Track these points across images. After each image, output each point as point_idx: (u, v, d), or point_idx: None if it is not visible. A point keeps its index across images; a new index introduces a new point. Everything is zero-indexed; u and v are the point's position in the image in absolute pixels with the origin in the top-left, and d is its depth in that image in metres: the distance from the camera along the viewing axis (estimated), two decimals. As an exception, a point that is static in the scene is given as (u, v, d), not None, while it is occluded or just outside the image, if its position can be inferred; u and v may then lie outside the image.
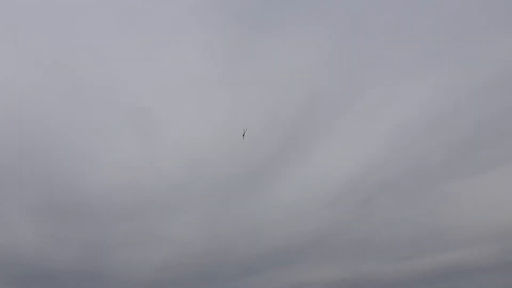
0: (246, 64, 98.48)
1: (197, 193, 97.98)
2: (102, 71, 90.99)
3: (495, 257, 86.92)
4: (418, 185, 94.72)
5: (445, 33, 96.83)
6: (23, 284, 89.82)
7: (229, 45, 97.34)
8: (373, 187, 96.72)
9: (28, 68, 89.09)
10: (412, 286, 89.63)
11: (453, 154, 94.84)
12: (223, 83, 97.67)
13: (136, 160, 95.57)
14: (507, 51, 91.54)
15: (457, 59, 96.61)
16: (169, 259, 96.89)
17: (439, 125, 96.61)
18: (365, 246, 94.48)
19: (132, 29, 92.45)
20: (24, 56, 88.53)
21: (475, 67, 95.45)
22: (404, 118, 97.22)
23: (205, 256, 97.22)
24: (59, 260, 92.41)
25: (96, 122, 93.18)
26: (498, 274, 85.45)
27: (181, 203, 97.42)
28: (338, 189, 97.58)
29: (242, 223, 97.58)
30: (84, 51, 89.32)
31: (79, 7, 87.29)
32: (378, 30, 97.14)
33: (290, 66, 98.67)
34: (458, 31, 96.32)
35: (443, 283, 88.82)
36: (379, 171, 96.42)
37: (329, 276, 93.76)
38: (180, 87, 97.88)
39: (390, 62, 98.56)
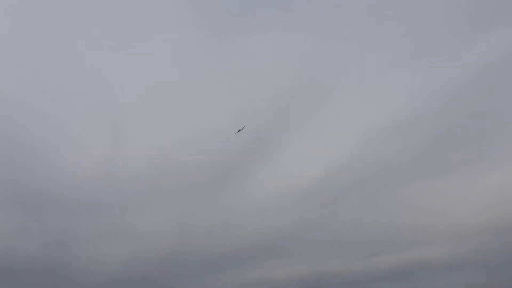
0: (218, 62, 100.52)
1: (167, 189, 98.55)
2: (74, 65, 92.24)
3: (457, 256, 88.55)
4: (385, 185, 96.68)
5: (415, 38, 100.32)
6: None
7: (201, 44, 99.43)
8: (341, 186, 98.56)
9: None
10: (377, 283, 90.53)
11: (420, 156, 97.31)
12: (195, 81, 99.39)
13: (106, 154, 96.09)
14: (474, 58, 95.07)
15: (426, 64, 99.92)
16: (136, 254, 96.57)
17: (406, 127, 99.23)
18: (332, 243, 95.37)
19: (107, 24, 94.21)
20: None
21: (443, 72, 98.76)
22: (372, 120, 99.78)
23: (172, 252, 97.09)
24: (23, 253, 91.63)
25: (67, 115, 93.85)
26: (460, 272, 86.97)
27: (150, 199, 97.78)
28: (307, 187, 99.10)
29: (211, 220, 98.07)
30: (56, 44, 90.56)
31: (53, 1, 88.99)
32: (351, 33, 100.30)
33: (262, 66, 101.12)
34: (428, 36, 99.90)
35: (407, 280, 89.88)
36: (347, 171, 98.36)
37: (296, 273, 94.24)
38: (152, 84, 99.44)
39: (361, 65, 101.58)
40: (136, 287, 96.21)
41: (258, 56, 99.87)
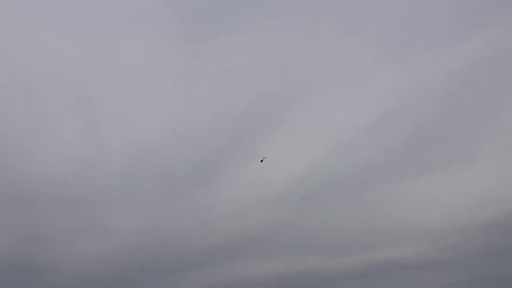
0: (197, 60, 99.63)
1: (142, 187, 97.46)
2: (47, 59, 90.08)
3: (430, 255, 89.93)
4: (360, 185, 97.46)
5: (391, 41, 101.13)
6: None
7: (181, 41, 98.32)
8: (318, 185, 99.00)
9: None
10: (352, 281, 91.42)
11: (395, 156, 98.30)
12: (173, 78, 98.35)
13: (80, 150, 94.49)
14: (452, 59, 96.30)
15: (402, 66, 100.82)
16: (110, 252, 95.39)
17: (383, 127, 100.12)
18: (308, 242, 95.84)
19: (81, 17, 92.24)
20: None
21: (422, 73, 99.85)
22: (349, 119, 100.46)
23: (147, 250, 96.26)
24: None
25: (40, 109, 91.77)
26: (432, 271, 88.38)
27: (124, 196, 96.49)
28: (285, 185, 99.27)
29: (187, 218, 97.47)
30: (29, 39, 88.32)
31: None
32: (331, 33, 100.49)
33: (242, 64, 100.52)
34: (404, 39, 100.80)
35: (381, 279, 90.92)
36: (323, 170, 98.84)
37: (272, 272, 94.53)
38: (129, 80, 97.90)
39: (341, 65, 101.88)
40: (111, 284, 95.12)
41: (239, 55, 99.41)
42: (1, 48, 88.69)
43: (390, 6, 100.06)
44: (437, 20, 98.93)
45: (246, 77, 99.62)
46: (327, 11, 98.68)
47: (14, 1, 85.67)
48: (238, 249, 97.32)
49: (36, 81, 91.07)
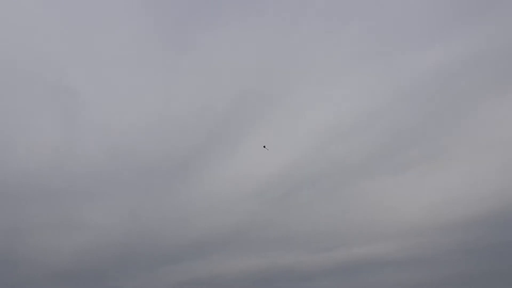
0: (182, 55, 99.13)
1: (121, 180, 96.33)
2: (24, 48, 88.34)
3: (406, 252, 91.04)
4: (338, 182, 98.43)
5: (373, 40, 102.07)
6: None
7: (162, 35, 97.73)
8: (297, 182, 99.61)
9: None
10: (330, 277, 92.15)
11: (373, 153, 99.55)
12: (153, 72, 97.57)
13: (57, 142, 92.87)
14: (429, 60, 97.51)
15: (380, 68, 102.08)
16: (87, 246, 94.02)
17: (360, 127, 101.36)
18: (286, 238, 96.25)
19: (62, 7, 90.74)
20: None
21: (396, 76, 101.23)
22: (328, 118, 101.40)
23: (125, 245, 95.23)
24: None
25: (16, 99, 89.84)
26: (408, 268, 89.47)
27: (103, 190, 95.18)
28: (263, 182, 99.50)
29: (166, 212, 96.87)
30: (4, 28, 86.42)
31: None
32: (310, 32, 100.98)
33: (224, 62, 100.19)
34: (386, 38, 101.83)
35: (358, 275, 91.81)
36: (302, 167, 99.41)
37: (249, 268, 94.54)
38: (109, 72, 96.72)
39: (320, 64, 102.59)
40: (88, 279, 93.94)
41: (220, 51, 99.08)
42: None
43: (372, 5, 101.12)
44: (417, 21, 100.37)
45: (227, 73, 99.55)
46: (310, 9, 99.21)
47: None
48: (217, 244, 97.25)
49: (11, 71, 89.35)
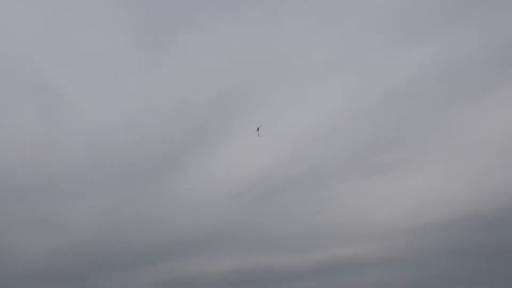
0: (162, 54, 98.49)
1: (98, 180, 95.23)
2: (2, 45, 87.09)
3: (384, 253, 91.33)
4: (317, 184, 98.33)
5: (352, 45, 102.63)
6: None
7: (147, 33, 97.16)
8: (277, 183, 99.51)
9: None
10: (308, 278, 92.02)
11: (351, 157, 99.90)
12: (133, 70, 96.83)
13: (34, 139, 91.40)
14: (408, 64, 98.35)
15: (361, 70, 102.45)
16: (62, 246, 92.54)
17: (340, 129, 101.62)
18: (265, 239, 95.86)
19: (40, 2, 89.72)
20: None
21: (376, 78, 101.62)
22: (308, 120, 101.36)
23: (100, 245, 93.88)
24: None
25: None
26: (386, 269, 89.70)
27: (79, 188, 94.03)
28: (243, 183, 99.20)
29: (143, 213, 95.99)
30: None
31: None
32: (291, 34, 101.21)
33: (205, 61, 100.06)
34: (364, 41, 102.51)
35: (336, 276, 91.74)
36: (281, 168, 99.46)
37: (227, 268, 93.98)
38: (91, 69, 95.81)
39: (300, 66, 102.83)
40: (63, 279, 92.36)
41: (202, 52, 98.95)
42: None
43: (353, 10, 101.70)
44: (396, 26, 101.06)
45: (208, 72, 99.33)
46: (291, 11, 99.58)
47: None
48: (195, 244, 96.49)
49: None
